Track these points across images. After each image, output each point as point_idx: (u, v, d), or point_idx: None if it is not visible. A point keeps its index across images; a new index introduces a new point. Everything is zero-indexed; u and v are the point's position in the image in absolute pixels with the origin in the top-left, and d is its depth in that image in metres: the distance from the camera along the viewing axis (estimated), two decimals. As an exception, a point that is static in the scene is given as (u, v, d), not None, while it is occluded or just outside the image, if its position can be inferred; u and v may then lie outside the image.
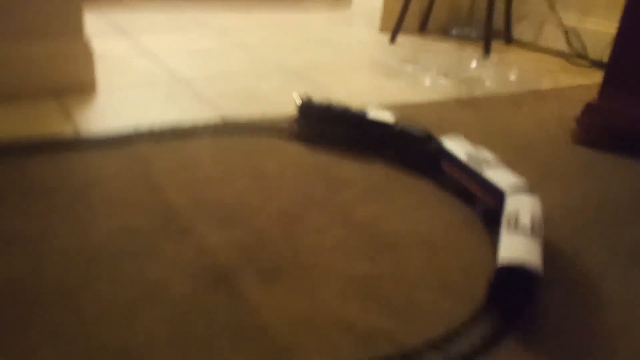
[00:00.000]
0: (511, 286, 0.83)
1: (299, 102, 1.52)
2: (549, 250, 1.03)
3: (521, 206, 0.99)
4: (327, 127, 1.49)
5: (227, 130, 1.52)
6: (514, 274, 0.82)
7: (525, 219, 0.94)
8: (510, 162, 1.41)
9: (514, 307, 0.84)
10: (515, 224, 0.93)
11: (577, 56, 2.42)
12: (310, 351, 0.77)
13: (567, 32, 2.49)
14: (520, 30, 2.73)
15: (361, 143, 1.45)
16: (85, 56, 1.76)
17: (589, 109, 1.56)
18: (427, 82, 2.04)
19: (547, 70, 2.31)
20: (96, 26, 2.58)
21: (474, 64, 2.26)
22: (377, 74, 2.13)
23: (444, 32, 2.89)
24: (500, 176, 1.09)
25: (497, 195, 1.06)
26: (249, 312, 0.83)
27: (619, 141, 1.49)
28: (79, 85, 1.75)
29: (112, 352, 0.74)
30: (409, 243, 1.04)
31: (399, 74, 2.13)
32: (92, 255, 0.95)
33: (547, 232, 1.08)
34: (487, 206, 1.12)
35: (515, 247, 0.86)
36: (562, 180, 1.33)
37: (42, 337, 0.76)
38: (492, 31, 2.47)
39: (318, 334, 0.80)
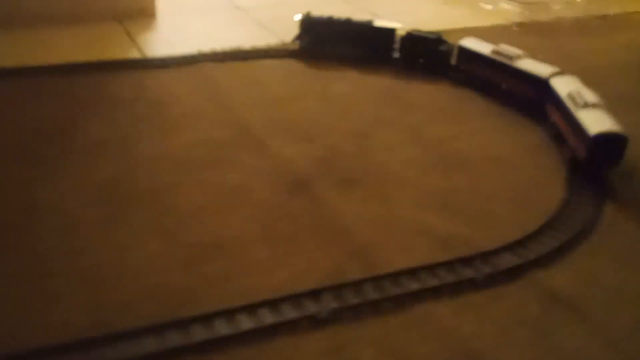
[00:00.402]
0: (605, 151, 0.96)
1: (299, 18, 1.51)
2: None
3: (581, 88, 1.11)
4: (332, 39, 1.50)
5: (288, 54, 1.53)
6: (608, 140, 0.96)
7: (592, 98, 1.05)
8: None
9: (606, 167, 0.99)
10: (584, 103, 1.04)
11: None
12: (390, 250, 0.81)
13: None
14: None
15: (367, 51, 1.47)
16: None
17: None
18: (488, 6, 1.99)
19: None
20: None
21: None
22: (438, 0, 2.07)
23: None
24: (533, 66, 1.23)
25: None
26: (329, 215, 0.88)
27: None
28: (140, 10, 1.78)
29: (207, 246, 0.80)
30: (481, 161, 1.06)
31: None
32: (177, 161, 1.01)
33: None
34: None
35: (600, 119, 1.00)
36: (634, 108, 1.31)
37: (141, 232, 0.82)
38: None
39: (396, 236, 0.85)
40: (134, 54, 1.50)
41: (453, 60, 1.42)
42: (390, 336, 0.67)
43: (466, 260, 0.79)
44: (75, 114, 1.15)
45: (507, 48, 1.33)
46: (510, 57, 1.29)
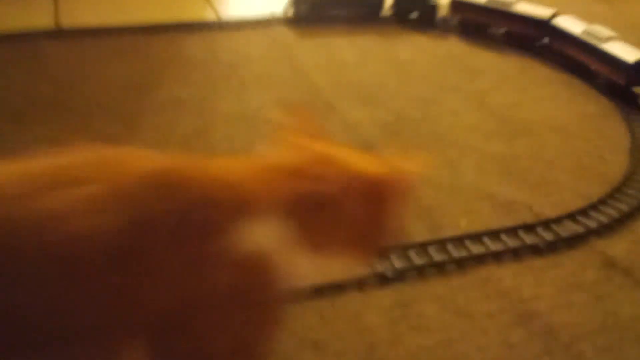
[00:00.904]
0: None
1: None
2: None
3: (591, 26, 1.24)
4: (325, 2, 1.51)
5: (356, 19, 1.55)
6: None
7: (609, 32, 1.21)
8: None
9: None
10: (606, 37, 1.20)
11: None
12: (454, 212, 0.85)
13: None
14: None
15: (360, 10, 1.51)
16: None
17: None
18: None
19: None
20: None
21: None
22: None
23: None
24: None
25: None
26: (396, 178, 0.93)
27: None
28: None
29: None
30: (543, 129, 1.07)
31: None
32: (252, 121, 1.06)
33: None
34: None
35: (628, 49, 1.17)
36: None
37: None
38: None
39: (460, 200, 0.88)
40: (209, 16, 1.55)
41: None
42: (453, 295, 0.71)
43: (529, 227, 0.82)
44: (155, 73, 1.22)
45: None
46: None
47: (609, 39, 1.21)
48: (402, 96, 1.17)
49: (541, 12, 1.37)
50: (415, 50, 1.38)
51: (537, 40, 1.37)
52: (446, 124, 1.09)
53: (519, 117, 1.11)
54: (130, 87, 1.16)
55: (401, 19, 1.50)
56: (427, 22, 1.49)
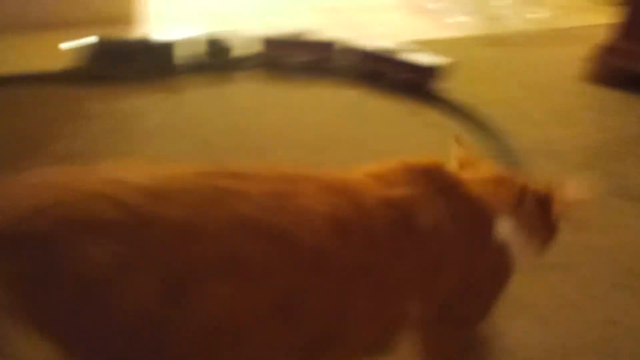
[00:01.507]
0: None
1: (90, 42, 1.47)
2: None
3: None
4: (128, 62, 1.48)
5: (266, 64, 1.58)
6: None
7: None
8: (523, 99, 1.48)
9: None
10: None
11: (602, -5, 2.39)
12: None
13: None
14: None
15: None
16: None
17: (603, 49, 1.61)
18: (451, 20, 2.07)
19: (575, 7, 2.31)
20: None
21: (498, 2, 2.26)
22: (406, 12, 2.16)
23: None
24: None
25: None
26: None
27: (633, 81, 1.52)
28: (122, 16, 1.81)
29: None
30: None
31: (426, 12, 2.16)
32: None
33: (554, 165, 1.19)
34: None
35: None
36: (573, 117, 1.41)
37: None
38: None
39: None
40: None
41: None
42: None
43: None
44: (51, 125, 1.21)
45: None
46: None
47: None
48: (292, 144, 1.22)
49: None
50: (310, 99, 1.44)
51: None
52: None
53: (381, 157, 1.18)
54: (25, 140, 1.14)
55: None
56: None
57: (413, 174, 0.59)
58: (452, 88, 1.51)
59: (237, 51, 1.53)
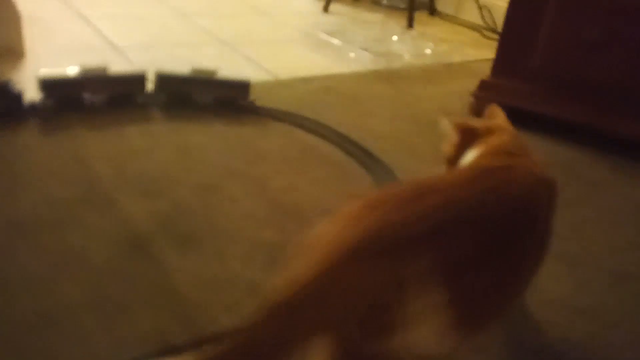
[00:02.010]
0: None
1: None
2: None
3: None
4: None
5: (157, 102, 1.58)
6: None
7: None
8: (411, 134, 1.55)
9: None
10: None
11: (489, 30, 2.58)
12: (216, 309, 0.89)
13: (481, 8, 2.65)
14: (444, 4, 2.86)
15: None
16: (12, 19, 1.75)
17: (483, 84, 1.73)
18: (352, 55, 2.15)
19: (461, 43, 2.46)
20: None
21: (395, 38, 2.37)
22: (307, 46, 2.21)
23: (376, 1, 2.98)
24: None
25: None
26: (162, 276, 0.95)
27: (511, 116, 1.64)
28: (5, 50, 1.75)
29: (35, 317, 0.84)
30: (311, 213, 1.17)
31: (327, 47, 2.22)
32: (16, 224, 1.02)
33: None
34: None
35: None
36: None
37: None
38: (415, 4, 2.59)
39: (223, 294, 0.92)
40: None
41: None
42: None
43: (281, 315, 0.88)
44: None
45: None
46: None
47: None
48: (186, 185, 1.21)
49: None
50: (206, 135, 1.43)
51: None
52: (224, 212, 1.13)
53: (293, 201, 1.20)
54: None
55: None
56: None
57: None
58: (345, 122, 1.56)
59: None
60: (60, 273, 0.93)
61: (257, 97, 1.64)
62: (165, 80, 1.57)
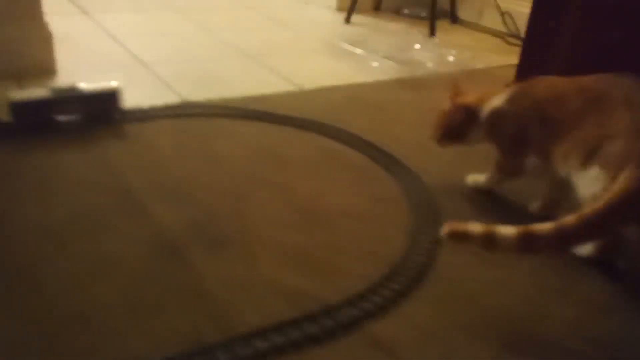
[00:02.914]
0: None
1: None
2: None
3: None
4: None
5: (185, 113, 1.63)
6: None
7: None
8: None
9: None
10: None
11: (512, 36, 2.57)
12: (246, 310, 0.91)
13: (503, 14, 2.64)
14: (465, 11, 2.87)
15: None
16: (44, 39, 1.82)
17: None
18: (375, 64, 2.17)
19: (484, 50, 2.47)
20: (55, 4, 2.61)
21: (417, 46, 2.39)
22: (330, 57, 2.24)
23: (397, 11, 3.00)
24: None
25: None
26: (195, 280, 0.97)
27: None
28: (39, 68, 1.82)
29: (72, 317, 0.86)
30: (339, 217, 1.18)
31: (350, 56, 2.25)
32: (54, 233, 1.06)
33: (461, 202, 1.25)
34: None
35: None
36: (481, 158, 1.48)
37: (3, 311, 0.87)
38: (436, 13, 2.61)
39: (253, 296, 0.94)
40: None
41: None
42: (234, 393, 0.75)
43: (311, 316, 0.89)
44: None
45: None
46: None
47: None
48: (215, 192, 1.24)
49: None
50: (232, 144, 1.46)
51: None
52: (252, 218, 1.16)
53: (320, 206, 1.21)
54: None
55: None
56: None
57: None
58: (370, 129, 1.57)
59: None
60: (96, 277, 0.96)
61: (283, 107, 1.67)
62: (21, 108, 1.43)
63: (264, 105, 1.69)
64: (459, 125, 1.24)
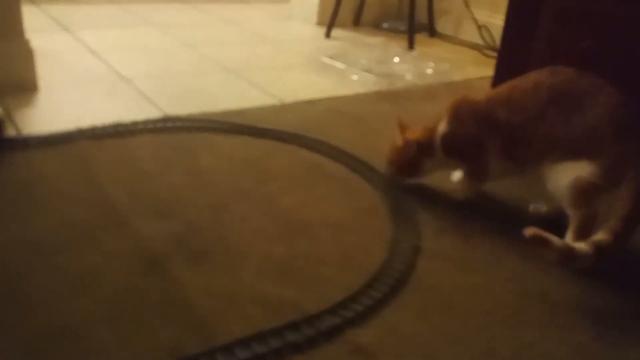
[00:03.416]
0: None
1: None
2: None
3: None
4: None
5: (166, 127, 1.63)
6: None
7: None
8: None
9: None
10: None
11: (489, 49, 2.63)
12: (228, 321, 0.91)
13: (480, 27, 2.71)
14: (443, 25, 2.93)
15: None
16: (25, 55, 1.82)
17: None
18: (355, 77, 2.20)
19: (462, 62, 2.52)
20: (36, 21, 2.61)
21: (396, 59, 2.43)
22: (310, 70, 2.27)
23: (376, 25, 3.05)
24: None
25: None
26: (176, 291, 0.97)
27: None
28: (20, 85, 1.81)
29: (54, 330, 0.86)
30: (320, 227, 1.19)
31: (330, 70, 2.28)
32: (34, 245, 1.06)
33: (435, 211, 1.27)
34: None
35: None
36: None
37: (-8, 319, 0.87)
38: (415, 26, 2.66)
39: (235, 306, 0.95)
40: (9, 132, 1.53)
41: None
42: (216, 403, 0.75)
43: (293, 325, 0.90)
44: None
45: None
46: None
47: None
48: (197, 205, 1.24)
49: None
50: (215, 158, 1.47)
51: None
52: (235, 230, 1.16)
53: (301, 217, 1.23)
54: None
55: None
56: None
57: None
58: (351, 140, 1.59)
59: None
60: (78, 290, 0.96)
61: (264, 120, 1.69)
62: None
63: (246, 119, 1.71)
64: (413, 159, 1.32)
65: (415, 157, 1.30)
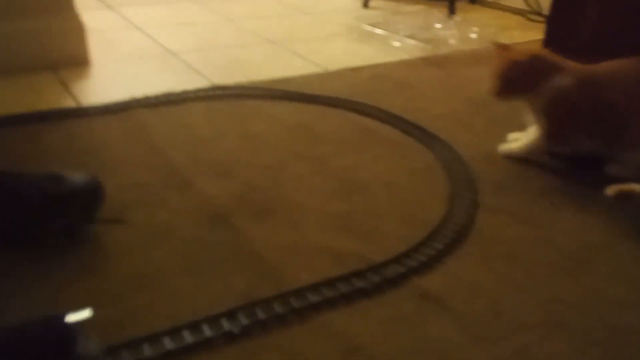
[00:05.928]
0: None
1: None
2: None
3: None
4: None
5: (216, 95, 1.67)
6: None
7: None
8: (466, 113, 1.58)
9: None
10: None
11: (533, 13, 2.58)
12: (297, 269, 0.95)
13: (525, -8, 2.65)
14: (484, -9, 2.88)
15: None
16: (77, 30, 1.87)
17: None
18: (397, 44, 2.20)
19: (505, 27, 2.48)
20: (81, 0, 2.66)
21: (438, 25, 2.41)
22: (352, 39, 2.27)
23: (415, -6, 3.02)
24: None
25: None
26: (244, 244, 1.01)
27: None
28: (73, 59, 1.87)
29: (133, 277, 0.91)
30: (376, 186, 1.22)
31: (372, 38, 2.28)
32: (108, 204, 1.10)
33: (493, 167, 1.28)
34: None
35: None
36: (513, 125, 1.50)
37: (72, 273, 0.92)
38: (457, -8, 2.62)
39: (302, 257, 0.98)
40: (68, 103, 1.59)
41: None
42: (292, 342, 0.79)
43: (359, 273, 0.93)
44: (10, 166, 1.23)
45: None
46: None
47: None
48: (254, 167, 1.28)
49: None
50: (266, 123, 1.50)
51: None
52: (292, 188, 1.19)
53: (356, 177, 1.25)
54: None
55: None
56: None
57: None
58: (398, 105, 1.60)
59: None
60: (151, 244, 1.00)
61: (310, 88, 1.70)
62: None
63: (292, 87, 1.73)
64: (530, 76, 1.22)
65: (535, 74, 1.22)
